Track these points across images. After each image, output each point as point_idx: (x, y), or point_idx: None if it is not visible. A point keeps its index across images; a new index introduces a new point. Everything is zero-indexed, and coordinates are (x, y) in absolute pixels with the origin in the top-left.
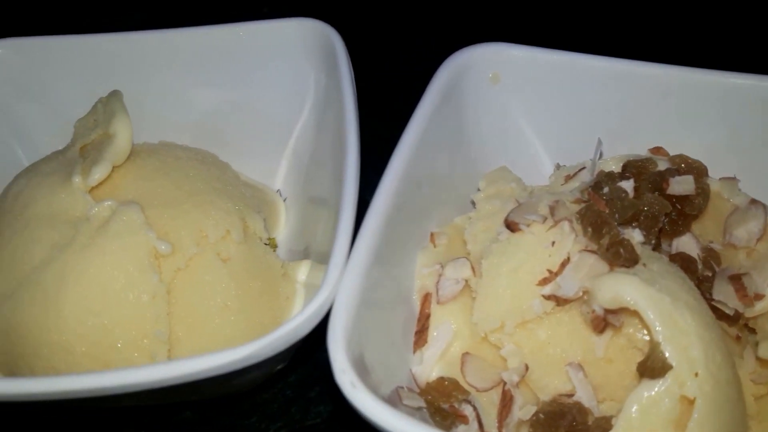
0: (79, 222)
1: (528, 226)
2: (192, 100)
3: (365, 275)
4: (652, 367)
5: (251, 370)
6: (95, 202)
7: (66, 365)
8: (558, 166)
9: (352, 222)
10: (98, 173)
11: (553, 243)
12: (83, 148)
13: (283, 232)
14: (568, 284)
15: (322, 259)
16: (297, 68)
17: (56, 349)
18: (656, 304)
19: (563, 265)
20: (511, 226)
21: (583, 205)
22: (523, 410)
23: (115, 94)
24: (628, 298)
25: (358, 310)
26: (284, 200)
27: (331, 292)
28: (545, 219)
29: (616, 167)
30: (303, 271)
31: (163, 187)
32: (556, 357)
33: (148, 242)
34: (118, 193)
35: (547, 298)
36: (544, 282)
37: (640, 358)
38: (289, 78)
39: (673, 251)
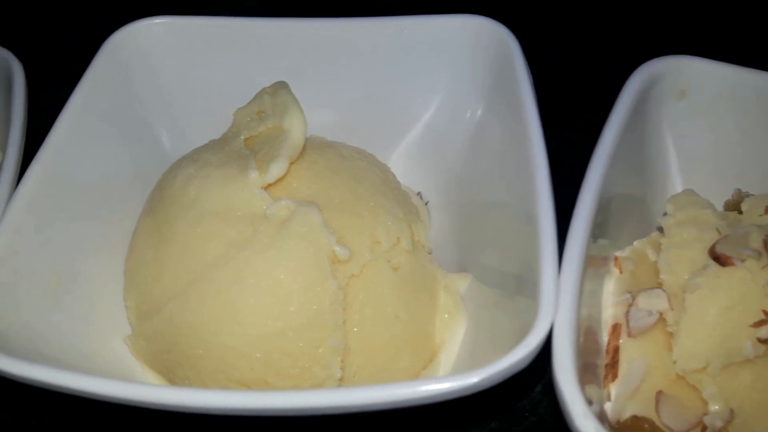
0: (256, 220)
1: (743, 261)
2: (338, 92)
3: (578, 304)
4: None
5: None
6: (272, 199)
7: (238, 371)
8: (739, 193)
9: (556, 248)
10: (276, 170)
11: None
12: (249, 141)
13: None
14: None
15: (484, 273)
16: (459, 68)
17: (229, 352)
18: None
19: None
20: (720, 259)
21: None
22: None
23: (283, 86)
24: None
25: (576, 342)
26: (426, 204)
27: (550, 322)
28: (760, 254)
29: None
30: (463, 284)
31: (334, 187)
32: (763, 403)
33: (327, 246)
34: (292, 192)
35: (762, 341)
36: (760, 324)
37: None
38: (449, 78)
39: None
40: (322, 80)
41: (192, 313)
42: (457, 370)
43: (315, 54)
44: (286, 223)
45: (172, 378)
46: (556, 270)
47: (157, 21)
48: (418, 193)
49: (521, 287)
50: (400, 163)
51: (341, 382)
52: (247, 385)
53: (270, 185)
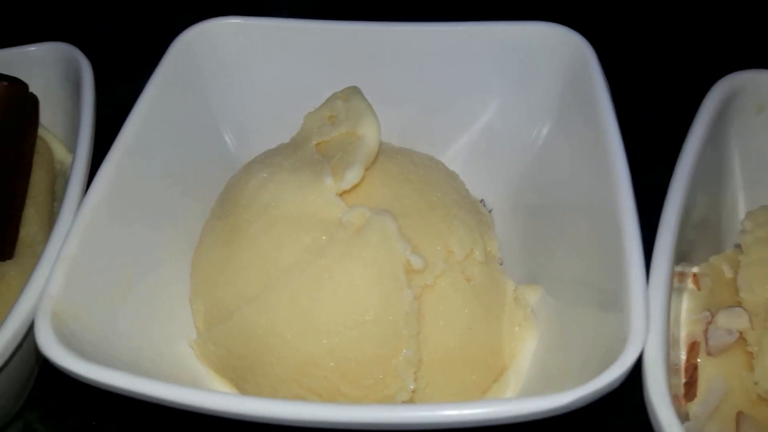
0: (332, 227)
1: None
2: (405, 97)
3: (668, 321)
4: None
5: None
6: (347, 206)
7: (311, 379)
8: None
9: (643, 263)
10: (352, 177)
11: None
12: (320, 146)
13: None
14: None
15: (556, 285)
16: (530, 76)
17: (303, 361)
18: None
19: None
20: None
21: None
22: None
23: (356, 91)
24: None
25: (667, 361)
26: (489, 212)
27: (642, 339)
28: None
29: None
30: (533, 296)
31: (407, 195)
32: None
33: (403, 255)
34: (365, 199)
35: None
36: None
37: None
38: (518, 85)
39: None
40: (388, 85)
41: (266, 319)
42: (528, 386)
43: (383, 58)
44: (361, 230)
45: (241, 384)
46: (644, 286)
47: (228, 21)
48: (481, 201)
49: (602, 301)
50: (464, 170)
51: (414, 394)
52: (319, 394)
53: (344, 192)
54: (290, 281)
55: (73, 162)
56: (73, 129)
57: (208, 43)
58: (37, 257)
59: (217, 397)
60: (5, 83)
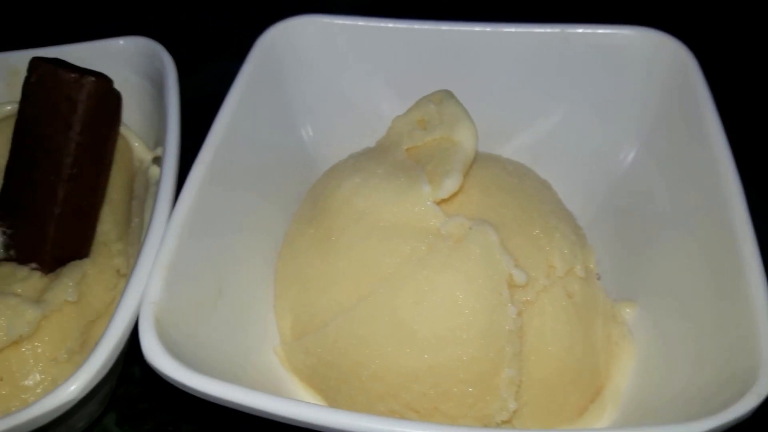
0: (430, 237)
1: None
2: (491, 101)
3: None
4: None
5: None
6: (445, 216)
7: (410, 395)
8: None
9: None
10: (451, 185)
11: None
12: (411, 151)
13: None
14: None
15: (656, 302)
16: (624, 83)
17: (401, 376)
18: None
19: None
20: None
21: None
22: None
23: (450, 95)
24: None
25: None
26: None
27: None
28: None
29: None
30: (630, 313)
31: (505, 205)
32: None
33: (506, 269)
34: (461, 208)
35: None
36: None
37: None
38: (612, 92)
39: None
40: (473, 88)
41: (364, 331)
42: (627, 409)
43: (468, 60)
44: (462, 241)
45: (332, 396)
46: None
47: (312, 19)
48: None
49: (716, 324)
50: (545, 178)
51: (514, 414)
52: (417, 411)
53: (441, 200)
54: (390, 292)
55: (162, 163)
56: (151, 125)
57: (292, 42)
58: (112, 256)
59: (331, 414)
60: (92, 79)
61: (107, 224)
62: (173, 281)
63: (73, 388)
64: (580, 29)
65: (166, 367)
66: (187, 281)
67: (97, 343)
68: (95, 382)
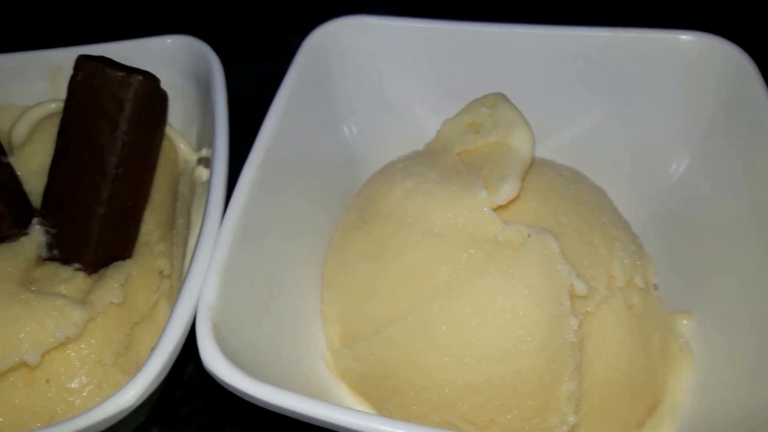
0: (488, 244)
1: None
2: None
3: None
4: None
5: None
6: (503, 222)
7: (467, 407)
8: None
9: None
10: (509, 191)
11: None
12: (463, 155)
13: None
14: None
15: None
16: (679, 89)
17: (459, 387)
18: None
19: None
20: None
21: None
22: None
23: (504, 99)
24: None
25: None
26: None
27: None
28: None
29: None
30: (688, 325)
31: (563, 213)
32: None
33: (567, 279)
34: (518, 215)
35: None
36: None
37: None
38: (665, 98)
39: None
40: (519, 90)
41: (418, 340)
42: (685, 423)
43: (515, 62)
44: (521, 250)
45: (383, 404)
46: None
47: (359, 19)
48: None
49: None
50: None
51: (573, 428)
52: (473, 423)
53: (498, 207)
54: (447, 301)
55: (212, 165)
56: (195, 126)
57: (338, 42)
58: (154, 257)
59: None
60: (140, 77)
61: (149, 225)
62: (228, 285)
63: (131, 394)
64: (632, 33)
65: (226, 375)
66: (240, 285)
67: (153, 348)
68: (153, 388)
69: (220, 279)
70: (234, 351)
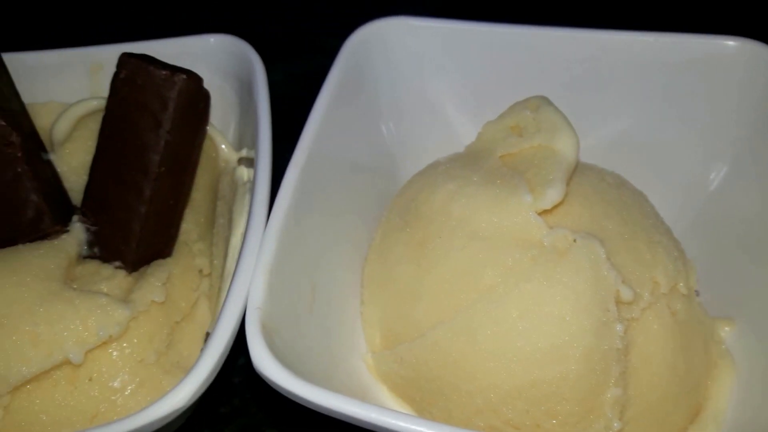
0: (533, 249)
1: None
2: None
3: None
4: None
5: None
6: (548, 227)
7: (511, 412)
8: None
9: None
10: (554, 195)
11: None
12: (506, 158)
13: None
14: None
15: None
16: (721, 95)
17: (504, 391)
18: None
19: None
20: None
21: None
22: None
23: (547, 102)
24: None
25: None
26: None
27: None
28: None
29: None
30: (729, 331)
31: (608, 218)
32: None
33: (613, 285)
34: (562, 219)
35: None
36: None
37: None
38: (705, 104)
39: None
40: (559, 94)
41: (464, 344)
42: (728, 428)
43: (556, 65)
44: (567, 255)
45: (425, 407)
46: None
47: (402, 21)
48: None
49: None
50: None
51: None
52: (518, 428)
53: (543, 211)
54: (493, 305)
55: (256, 166)
56: (235, 125)
57: (380, 43)
58: (193, 255)
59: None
60: (184, 76)
61: (188, 224)
62: (274, 286)
63: (182, 395)
64: (675, 38)
65: (277, 376)
66: (286, 286)
67: (204, 349)
68: (203, 389)
69: (267, 279)
70: (281, 352)
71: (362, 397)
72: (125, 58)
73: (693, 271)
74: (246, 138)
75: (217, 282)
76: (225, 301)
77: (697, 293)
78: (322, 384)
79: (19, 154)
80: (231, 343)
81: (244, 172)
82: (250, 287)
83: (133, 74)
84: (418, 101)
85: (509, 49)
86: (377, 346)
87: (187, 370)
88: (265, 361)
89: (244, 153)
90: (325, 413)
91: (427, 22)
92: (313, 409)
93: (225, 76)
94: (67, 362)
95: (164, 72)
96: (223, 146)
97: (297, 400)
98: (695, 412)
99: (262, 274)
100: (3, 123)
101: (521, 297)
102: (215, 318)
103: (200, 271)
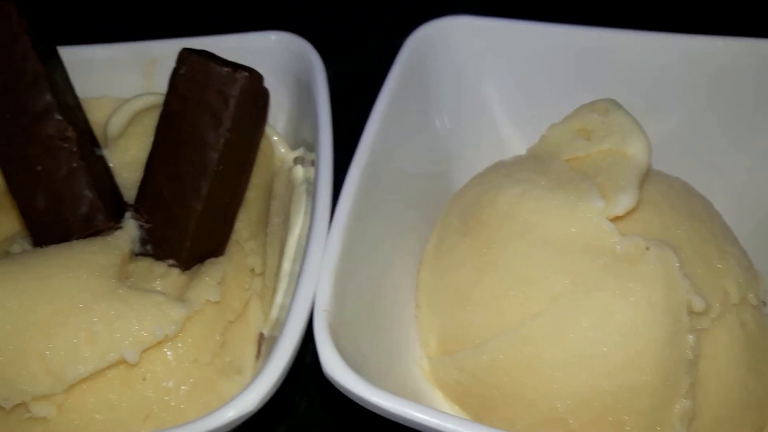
0: (605, 256)
1: None
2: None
3: None
4: None
5: None
6: (620, 234)
7: (577, 423)
8: None
9: None
10: (627, 202)
11: None
12: (573, 162)
13: None
14: None
15: None
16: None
17: (571, 403)
18: None
19: None
20: None
21: None
22: None
23: (616, 105)
24: None
25: None
26: None
27: None
28: None
29: None
30: None
31: (679, 225)
32: None
33: (686, 294)
34: (633, 226)
35: None
36: None
37: None
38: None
39: None
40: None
41: (530, 353)
42: None
43: (614, 66)
44: (640, 263)
45: (485, 415)
46: None
47: (463, 20)
48: None
49: None
50: None
51: None
52: None
53: (615, 218)
54: (562, 313)
55: (317, 166)
56: (292, 124)
57: (440, 42)
58: (245, 255)
59: None
60: (245, 74)
61: (240, 222)
62: (339, 288)
63: (252, 396)
64: (744, 42)
65: (347, 380)
66: (349, 288)
67: (271, 352)
68: (273, 392)
69: (333, 282)
70: (347, 355)
71: (417, 402)
72: (185, 54)
73: (762, 281)
74: (301, 137)
75: (271, 282)
76: (291, 303)
77: (765, 304)
78: (379, 388)
79: (75, 149)
80: (299, 345)
81: (300, 172)
82: (317, 289)
83: (193, 70)
84: (476, 102)
85: (572, 50)
86: (433, 351)
87: (239, 370)
88: (334, 364)
89: (300, 152)
90: (398, 421)
91: (490, 22)
92: (382, 414)
93: (283, 74)
94: (122, 361)
95: (226, 69)
96: (280, 145)
97: (364, 405)
98: (762, 426)
99: (328, 276)
100: (60, 117)
101: (593, 306)
102: (268, 318)
103: (252, 270)
